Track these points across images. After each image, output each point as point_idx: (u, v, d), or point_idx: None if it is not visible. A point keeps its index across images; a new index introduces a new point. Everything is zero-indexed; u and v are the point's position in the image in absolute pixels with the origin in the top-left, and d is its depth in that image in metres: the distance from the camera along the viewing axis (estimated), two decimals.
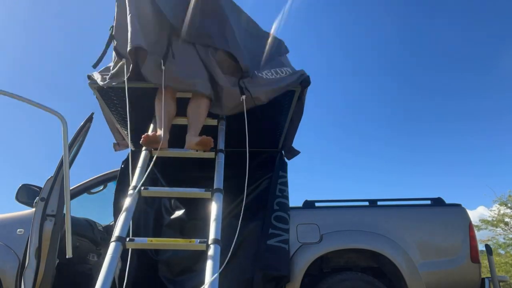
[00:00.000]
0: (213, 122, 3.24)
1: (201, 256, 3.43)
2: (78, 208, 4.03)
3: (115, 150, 4.70)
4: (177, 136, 4.14)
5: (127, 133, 4.26)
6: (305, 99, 3.63)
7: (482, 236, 15.44)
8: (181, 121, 3.31)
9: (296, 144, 4.24)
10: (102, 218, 5.08)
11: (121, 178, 3.87)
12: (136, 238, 2.38)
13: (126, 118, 3.92)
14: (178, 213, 3.81)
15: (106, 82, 3.11)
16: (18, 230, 3.67)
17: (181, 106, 3.77)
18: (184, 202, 3.81)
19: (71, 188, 3.97)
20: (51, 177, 3.50)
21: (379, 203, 4.01)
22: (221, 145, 3.04)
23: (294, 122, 3.95)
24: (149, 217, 3.83)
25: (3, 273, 3.48)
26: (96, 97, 3.64)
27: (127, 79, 2.99)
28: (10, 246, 3.60)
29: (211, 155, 2.98)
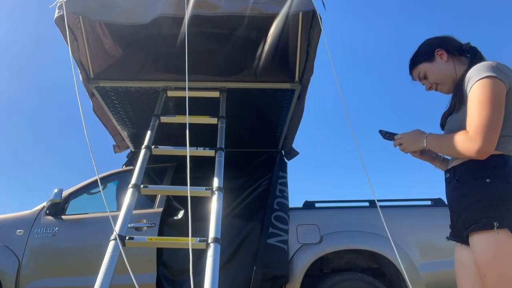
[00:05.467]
0: (213, 120, 3.24)
1: (201, 256, 3.42)
2: (77, 208, 4.01)
3: (115, 152, 4.70)
4: (176, 135, 4.15)
5: (127, 134, 4.26)
6: (305, 98, 3.64)
7: None
8: (180, 119, 3.32)
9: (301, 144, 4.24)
10: None
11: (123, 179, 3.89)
12: (135, 237, 2.37)
13: (126, 118, 3.94)
14: (178, 214, 3.80)
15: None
16: (18, 230, 3.66)
17: (182, 105, 3.78)
18: (184, 202, 3.81)
19: (70, 190, 3.98)
20: None
21: (379, 203, 3.99)
22: (220, 143, 3.03)
23: (294, 122, 3.96)
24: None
25: (2, 274, 3.47)
26: (96, 97, 3.65)
27: None
28: (10, 247, 3.59)
29: (210, 153, 2.98)
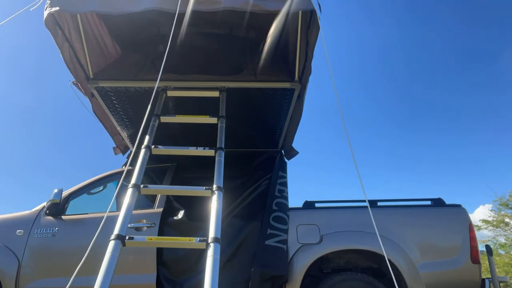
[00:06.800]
0: (213, 120, 3.24)
1: (201, 256, 3.42)
2: (77, 208, 4.01)
3: (115, 154, 4.70)
4: (176, 134, 4.15)
5: (127, 134, 4.26)
6: (305, 98, 3.64)
7: (482, 237, 15.46)
8: (181, 119, 3.32)
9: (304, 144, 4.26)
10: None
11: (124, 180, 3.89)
12: (135, 236, 2.37)
13: (126, 119, 3.93)
14: (178, 214, 3.81)
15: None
16: (18, 230, 3.65)
17: (182, 104, 3.78)
18: (184, 202, 3.81)
19: (71, 191, 3.97)
20: None
21: (379, 203, 3.99)
22: (220, 143, 3.03)
23: (294, 122, 3.96)
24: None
25: (2, 274, 3.46)
26: (95, 97, 3.65)
27: None
28: (10, 247, 3.58)
29: (210, 153, 2.98)
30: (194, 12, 2.72)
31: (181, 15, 2.76)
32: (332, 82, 2.65)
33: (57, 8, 2.67)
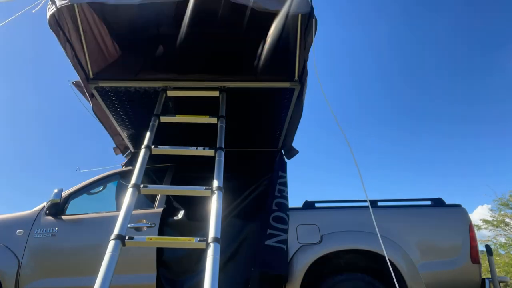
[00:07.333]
0: (213, 120, 3.24)
1: (201, 256, 3.43)
2: (77, 209, 4.01)
3: (116, 154, 4.71)
4: (176, 134, 4.15)
5: (127, 134, 4.26)
6: (305, 98, 3.64)
7: (482, 237, 15.48)
8: (181, 119, 3.32)
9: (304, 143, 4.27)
10: None
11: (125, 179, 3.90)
12: (135, 236, 2.37)
13: (126, 119, 3.94)
14: (178, 214, 3.81)
15: None
16: (18, 230, 3.66)
17: (181, 105, 3.79)
18: (184, 202, 3.81)
19: (71, 191, 3.97)
20: None
21: (379, 203, 3.99)
22: (220, 143, 3.04)
23: (294, 121, 3.96)
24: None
25: (2, 274, 3.46)
26: (95, 97, 3.65)
27: None
28: (10, 247, 3.58)
29: (210, 153, 2.98)
30: (194, 12, 2.73)
31: (181, 15, 2.76)
32: (321, 88, 2.64)
33: (56, 4, 2.68)
